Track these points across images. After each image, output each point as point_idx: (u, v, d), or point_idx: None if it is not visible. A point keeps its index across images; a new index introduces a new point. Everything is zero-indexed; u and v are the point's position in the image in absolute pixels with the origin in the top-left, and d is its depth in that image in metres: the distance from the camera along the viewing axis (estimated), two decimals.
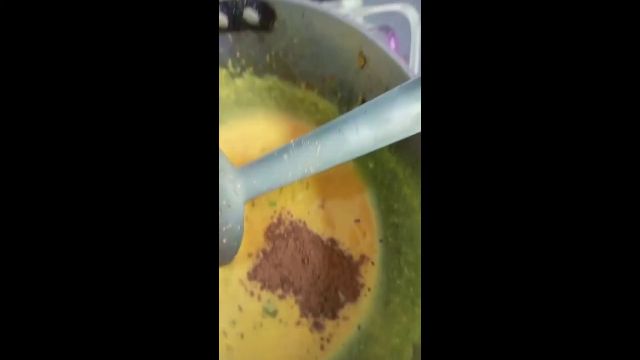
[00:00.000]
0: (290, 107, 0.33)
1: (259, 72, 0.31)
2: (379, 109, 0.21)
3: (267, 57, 0.30)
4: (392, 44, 0.38)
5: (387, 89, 0.24)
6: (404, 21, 0.38)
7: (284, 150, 0.26)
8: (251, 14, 0.27)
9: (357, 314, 0.29)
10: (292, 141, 0.25)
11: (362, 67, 0.25)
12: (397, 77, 0.22)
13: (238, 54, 0.30)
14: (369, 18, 0.38)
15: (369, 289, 0.29)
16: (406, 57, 0.37)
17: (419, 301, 0.24)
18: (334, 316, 0.29)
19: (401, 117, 0.20)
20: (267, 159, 0.27)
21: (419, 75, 0.20)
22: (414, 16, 0.37)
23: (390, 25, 0.38)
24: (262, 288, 0.30)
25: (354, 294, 0.29)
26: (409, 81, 0.20)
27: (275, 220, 0.32)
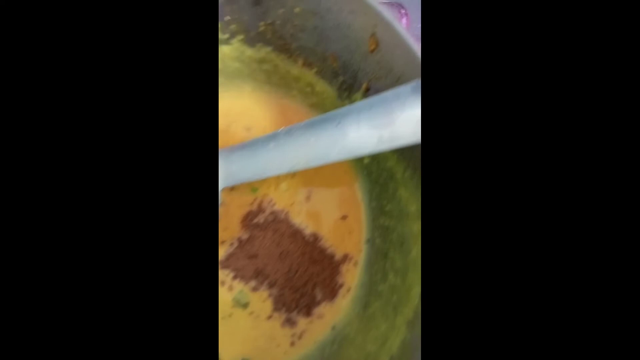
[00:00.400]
0: (282, 84, 0.29)
1: (251, 40, 0.27)
2: (388, 106, 0.18)
3: (262, 25, 0.26)
4: (404, 24, 0.34)
5: (399, 79, 0.21)
6: None
7: (271, 137, 0.23)
8: None
9: (333, 314, 0.28)
10: (282, 128, 0.23)
11: (373, 51, 0.22)
12: (412, 69, 0.19)
13: (228, 17, 0.26)
14: None
15: (349, 290, 0.28)
16: (418, 39, 0.34)
17: (402, 310, 0.23)
18: (308, 313, 0.28)
19: (413, 118, 0.18)
20: (251, 144, 0.24)
21: None
22: None
23: (402, 3, 0.34)
24: (234, 278, 0.29)
25: (332, 292, 0.28)
26: None
27: (255, 208, 0.29)
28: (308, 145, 0.22)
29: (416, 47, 0.18)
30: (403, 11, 0.34)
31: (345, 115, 0.20)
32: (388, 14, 0.19)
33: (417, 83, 0.17)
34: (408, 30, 0.34)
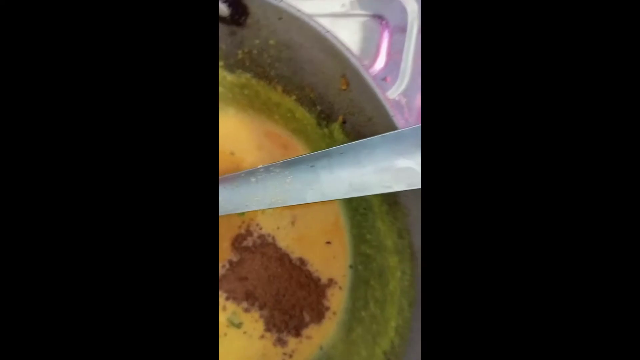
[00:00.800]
0: (264, 109, 0.29)
1: (230, 67, 0.27)
2: (356, 155, 0.18)
3: (240, 53, 0.26)
4: (386, 36, 0.33)
5: (370, 120, 0.21)
6: (402, 11, 0.33)
7: (251, 173, 0.23)
8: (220, 5, 0.23)
9: (320, 335, 0.29)
10: (260, 166, 0.23)
11: (344, 90, 0.21)
12: (380, 115, 0.19)
13: None
14: (362, 3, 0.33)
15: (334, 313, 0.29)
16: (399, 53, 0.33)
17: (380, 341, 0.24)
18: (297, 334, 0.29)
19: (380, 170, 0.18)
20: (233, 178, 0.24)
21: (407, 127, 0.17)
22: (413, 8, 0.32)
23: (384, 15, 0.33)
24: (227, 299, 0.30)
25: (318, 315, 0.29)
26: (394, 132, 0.17)
27: (243, 231, 0.30)
28: (285, 184, 0.22)
29: (381, 95, 0.18)
30: (384, 22, 0.33)
31: (318, 159, 0.20)
32: (355, 60, 0.18)
33: (383, 137, 0.17)
34: (390, 46, 0.33)
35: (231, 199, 0.25)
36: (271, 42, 0.24)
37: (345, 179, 0.19)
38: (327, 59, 0.21)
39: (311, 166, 0.20)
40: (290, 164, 0.22)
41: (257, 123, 0.30)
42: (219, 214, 0.26)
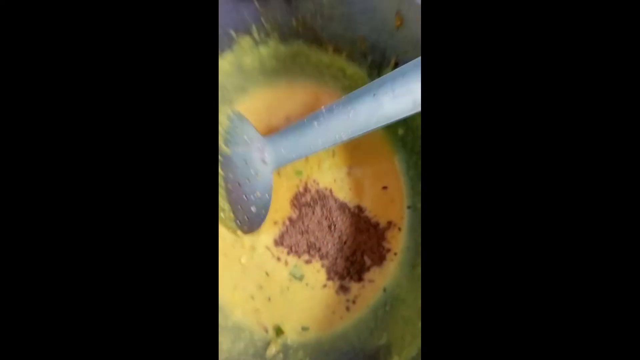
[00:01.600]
0: (315, 72, 0.32)
1: (284, 37, 0.30)
2: (419, 70, 0.20)
3: (294, 21, 0.29)
4: None
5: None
6: None
7: (314, 117, 0.26)
8: None
9: (382, 277, 0.30)
10: (323, 107, 0.25)
11: (398, 27, 0.24)
12: None
13: (263, 20, 0.29)
14: None
15: (395, 254, 0.30)
16: None
17: None
18: (359, 279, 0.30)
19: None
20: (296, 127, 0.27)
21: None
22: None
23: None
24: (288, 253, 0.31)
25: (380, 258, 0.30)
26: None
27: (301, 189, 0.32)
28: (348, 119, 0.24)
29: None
30: None
31: (380, 86, 0.22)
32: None
33: None
34: None
35: (295, 147, 0.27)
36: (325, 1, 0.27)
37: (409, 97, 0.21)
38: (382, 1, 0.23)
39: (374, 95, 0.22)
40: (352, 98, 0.24)
41: (308, 88, 0.33)
42: (283, 164, 0.28)
